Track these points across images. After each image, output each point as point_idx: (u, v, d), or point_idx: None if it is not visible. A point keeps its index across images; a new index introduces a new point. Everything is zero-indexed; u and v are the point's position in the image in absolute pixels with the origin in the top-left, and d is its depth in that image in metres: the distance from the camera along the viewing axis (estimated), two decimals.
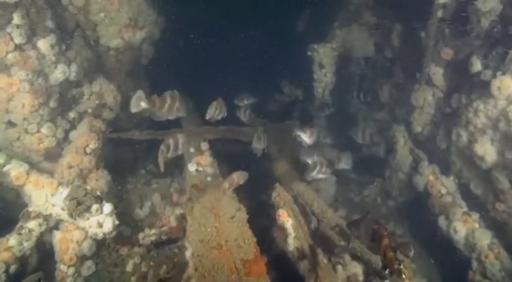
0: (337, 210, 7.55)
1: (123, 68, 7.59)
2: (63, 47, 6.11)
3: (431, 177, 6.46)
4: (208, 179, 5.77)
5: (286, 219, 4.99)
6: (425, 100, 7.01)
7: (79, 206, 4.68)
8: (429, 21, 6.47)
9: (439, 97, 6.85)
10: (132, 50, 7.53)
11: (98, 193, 5.05)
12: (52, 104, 5.92)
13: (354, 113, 9.56)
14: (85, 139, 5.98)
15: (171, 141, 4.96)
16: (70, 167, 5.66)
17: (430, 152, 7.06)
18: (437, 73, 6.78)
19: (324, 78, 8.31)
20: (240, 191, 5.85)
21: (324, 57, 8.22)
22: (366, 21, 8.67)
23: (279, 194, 5.37)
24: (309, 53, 8.36)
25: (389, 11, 8.24)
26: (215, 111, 5.46)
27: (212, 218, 4.85)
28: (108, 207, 4.99)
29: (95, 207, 4.82)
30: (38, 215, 5.16)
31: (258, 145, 5.71)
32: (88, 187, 5.04)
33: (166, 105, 4.97)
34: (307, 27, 9.30)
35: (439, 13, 6.36)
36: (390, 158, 7.64)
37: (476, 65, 5.80)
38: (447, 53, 6.51)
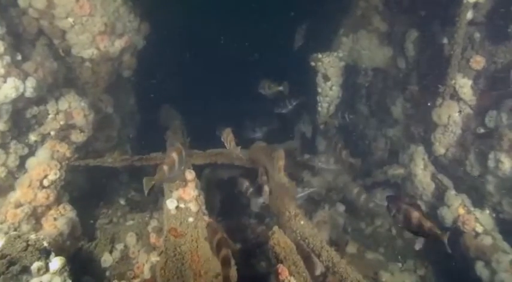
0: (346, 245, 6.23)
1: (101, 82, 6.30)
2: (18, 57, 4.85)
3: (461, 211, 5.11)
4: (190, 220, 4.43)
5: (288, 278, 3.65)
6: (450, 117, 5.68)
7: (12, 266, 3.36)
8: (456, 24, 5.15)
9: (468, 114, 5.53)
10: (111, 61, 6.27)
11: (45, 244, 3.72)
12: (1, 126, 4.64)
13: (362, 130, 8.25)
14: (42, 169, 4.69)
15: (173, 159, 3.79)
16: (18, 205, 4.36)
17: (456, 179, 5.72)
18: (465, 86, 5.47)
19: (329, 91, 7.01)
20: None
21: (329, 68, 6.92)
22: (376, 28, 7.38)
23: (278, 242, 4.03)
24: (312, 64, 7.06)
25: (402, 16, 6.96)
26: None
27: (191, 278, 3.53)
28: (56, 262, 3.66)
29: (36, 265, 3.50)
30: None
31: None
32: (32, 236, 3.72)
33: (176, 165, 3.84)
34: (308, 37, 7.99)
35: (469, 14, 5.06)
36: (407, 183, 6.29)
37: None
38: (478, 62, 5.21)
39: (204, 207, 4.86)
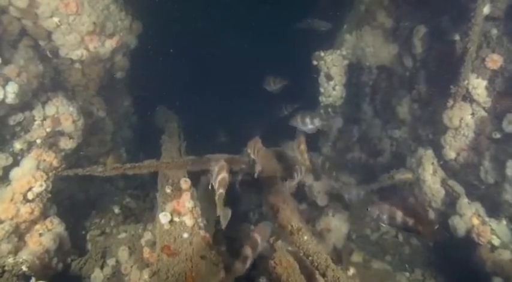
0: (351, 254, 5.85)
1: (92, 84, 5.88)
2: None
3: (475, 221, 4.70)
4: (185, 236, 4.04)
5: None
6: (463, 120, 5.24)
7: None
8: (471, 20, 4.68)
9: (482, 117, 5.09)
10: (102, 62, 5.84)
11: (25, 268, 3.34)
12: None
13: (366, 130, 7.81)
14: (26, 181, 4.29)
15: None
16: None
17: (468, 185, 5.31)
18: (478, 86, 5.02)
19: (332, 91, 6.56)
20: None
21: (332, 66, 6.46)
22: (381, 24, 6.90)
23: (280, 261, 3.64)
24: (314, 62, 6.61)
25: (409, 10, 6.48)
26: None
27: None
28: None
29: None
30: None
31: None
32: (10, 260, 3.33)
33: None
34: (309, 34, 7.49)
35: (486, 9, 4.59)
36: (415, 189, 5.88)
37: None
38: (495, 61, 4.76)
39: (200, 219, 4.47)
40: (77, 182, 5.83)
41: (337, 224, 5.86)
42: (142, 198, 6.36)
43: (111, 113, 6.66)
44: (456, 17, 5.36)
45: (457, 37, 5.27)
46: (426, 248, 5.99)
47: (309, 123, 5.15)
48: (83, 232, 5.29)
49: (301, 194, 6.23)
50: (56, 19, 4.98)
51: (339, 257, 5.61)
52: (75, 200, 5.89)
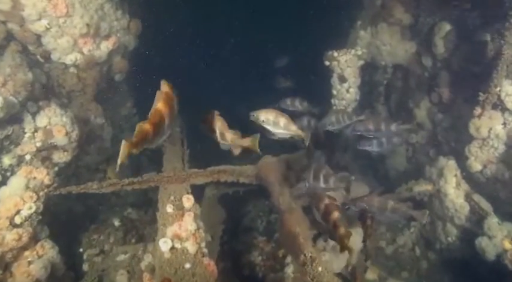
0: (365, 271, 5.35)
1: (88, 89, 5.35)
2: None
3: (508, 246, 4.14)
4: (187, 266, 3.55)
5: None
6: (492, 130, 4.63)
7: None
8: (508, 19, 4.02)
9: None
10: (98, 65, 5.29)
11: None
12: None
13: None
14: (13, 203, 3.81)
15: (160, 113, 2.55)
16: None
17: (495, 201, 4.73)
18: None
19: (346, 94, 5.94)
20: None
21: (346, 68, 5.83)
22: (398, 20, 6.22)
23: None
24: (327, 63, 5.97)
25: (430, 6, 5.79)
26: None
27: None
28: None
29: None
30: None
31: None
32: None
33: (166, 122, 2.62)
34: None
35: None
36: (434, 202, 5.31)
37: None
38: None
39: (203, 244, 3.97)
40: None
41: (352, 239, 5.33)
42: (145, 208, 5.91)
43: (111, 116, 6.18)
44: (487, 14, 4.69)
45: (487, 37, 4.61)
46: (445, 263, 5.47)
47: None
48: (80, 249, 4.85)
49: None
50: (44, 22, 4.42)
51: (353, 275, 5.13)
52: (73, 213, 5.46)
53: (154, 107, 2.54)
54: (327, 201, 3.36)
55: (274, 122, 3.38)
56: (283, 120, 3.36)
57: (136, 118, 6.99)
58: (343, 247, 3.26)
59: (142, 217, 5.71)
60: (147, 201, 5.96)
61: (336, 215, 3.28)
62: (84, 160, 5.56)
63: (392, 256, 5.70)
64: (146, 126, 2.44)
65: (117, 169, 2.33)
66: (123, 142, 2.33)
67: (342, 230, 3.19)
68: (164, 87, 2.63)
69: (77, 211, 5.54)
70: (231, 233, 5.81)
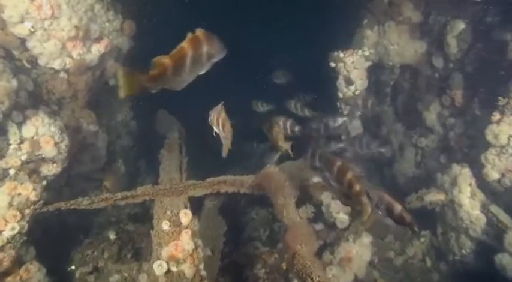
0: None
1: (80, 95, 4.95)
2: None
3: None
4: None
5: None
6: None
7: None
8: None
9: None
10: (90, 70, 4.89)
11: None
12: None
13: (386, 135, 6.79)
14: None
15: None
16: None
17: None
18: None
19: (352, 97, 5.52)
20: None
21: (352, 69, 5.40)
22: (407, 18, 5.77)
23: None
24: (332, 64, 5.55)
25: (443, 2, 5.34)
26: None
27: None
28: None
29: None
30: None
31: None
32: None
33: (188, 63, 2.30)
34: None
35: None
36: (447, 211, 4.92)
37: None
38: None
39: (202, 265, 3.60)
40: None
41: (359, 251, 4.96)
42: (143, 218, 5.54)
43: (106, 122, 5.80)
44: (507, 12, 4.25)
45: (507, 36, 4.18)
46: (458, 276, 5.10)
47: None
48: (73, 267, 4.49)
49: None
50: (28, 24, 4.01)
51: None
52: (66, 225, 5.09)
53: (179, 45, 2.20)
54: (339, 162, 3.26)
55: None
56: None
57: (134, 122, 6.63)
58: (360, 204, 3.24)
59: (139, 228, 5.35)
60: (146, 210, 5.62)
61: (350, 175, 3.20)
62: (78, 169, 5.19)
63: (402, 268, 5.32)
64: (166, 59, 2.12)
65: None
66: (123, 70, 2.10)
67: (357, 187, 3.16)
68: (198, 32, 2.28)
69: (70, 223, 5.17)
70: (233, 244, 5.45)
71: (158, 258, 3.48)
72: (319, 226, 5.64)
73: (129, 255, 4.80)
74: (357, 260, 4.92)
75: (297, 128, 4.57)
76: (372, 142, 5.45)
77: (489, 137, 4.36)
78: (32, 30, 4.07)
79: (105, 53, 4.87)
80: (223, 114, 2.88)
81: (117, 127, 6.26)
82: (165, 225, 3.89)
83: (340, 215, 5.31)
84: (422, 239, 5.40)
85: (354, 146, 5.44)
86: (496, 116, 4.26)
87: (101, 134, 5.39)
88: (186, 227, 3.87)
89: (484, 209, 4.49)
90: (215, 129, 2.94)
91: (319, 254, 5.06)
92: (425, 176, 5.98)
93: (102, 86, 5.35)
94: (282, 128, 4.36)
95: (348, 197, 3.50)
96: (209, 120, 2.96)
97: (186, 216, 3.99)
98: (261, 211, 6.19)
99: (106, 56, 4.96)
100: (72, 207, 4.03)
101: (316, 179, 5.31)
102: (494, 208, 4.42)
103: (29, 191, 3.86)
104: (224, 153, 2.95)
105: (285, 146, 4.13)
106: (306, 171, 5.20)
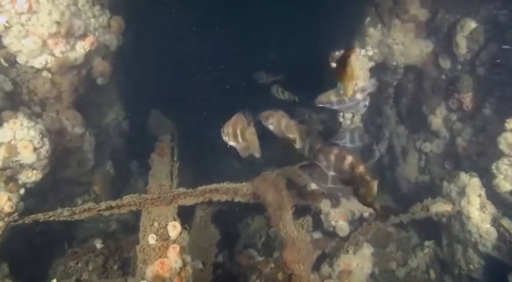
0: None
1: (65, 95, 4.58)
2: None
3: None
4: None
5: None
6: None
7: None
8: None
9: None
10: (76, 68, 4.50)
11: None
12: None
13: (389, 138, 6.41)
14: None
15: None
16: None
17: None
18: None
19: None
20: None
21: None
22: (413, 16, 5.38)
23: None
24: (333, 65, 5.16)
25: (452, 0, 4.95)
26: None
27: None
28: None
29: None
30: None
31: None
32: None
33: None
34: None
35: None
36: (454, 223, 4.57)
37: None
38: None
39: None
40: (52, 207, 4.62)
41: (359, 264, 4.63)
42: (132, 223, 5.19)
43: (96, 123, 5.43)
44: None
45: None
46: None
47: None
48: (54, 280, 4.12)
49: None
50: (1, 19, 3.62)
51: None
52: (50, 232, 4.73)
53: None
54: (336, 150, 3.14)
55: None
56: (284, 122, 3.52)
57: (126, 123, 6.26)
58: (365, 185, 2.89)
59: (128, 235, 5.00)
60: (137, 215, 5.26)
61: (350, 158, 3.01)
62: (63, 174, 4.82)
63: (404, 280, 4.99)
64: None
65: None
66: None
67: (361, 168, 2.88)
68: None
69: (54, 230, 4.81)
70: (227, 253, 5.12)
71: (142, 278, 3.13)
72: (317, 234, 5.34)
73: (115, 267, 4.46)
74: (358, 273, 4.59)
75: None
76: (365, 135, 5.28)
77: (502, 146, 4.00)
78: (7, 25, 3.68)
79: (91, 51, 4.47)
80: (245, 124, 3.02)
81: (108, 128, 5.90)
82: (152, 240, 3.54)
83: (340, 222, 5.00)
84: (426, 250, 5.06)
85: (345, 139, 5.14)
86: (510, 123, 3.89)
87: (88, 136, 5.02)
88: (174, 242, 3.53)
89: (495, 222, 4.14)
90: (230, 143, 3.12)
91: (317, 265, 4.75)
92: (428, 182, 5.62)
93: (89, 85, 4.98)
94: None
95: (348, 183, 3.11)
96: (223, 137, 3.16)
97: (174, 229, 3.64)
98: (257, 217, 5.86)
99: (93, 53, 4.56)
100: (51, 219, 3.67)
101: (314, 186, 4.98)
102: (506, 222, 4.07)
103: (2, 201, 3.50)
104: (258, 155, 3.11)
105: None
106: (304, 177, 4.84)
